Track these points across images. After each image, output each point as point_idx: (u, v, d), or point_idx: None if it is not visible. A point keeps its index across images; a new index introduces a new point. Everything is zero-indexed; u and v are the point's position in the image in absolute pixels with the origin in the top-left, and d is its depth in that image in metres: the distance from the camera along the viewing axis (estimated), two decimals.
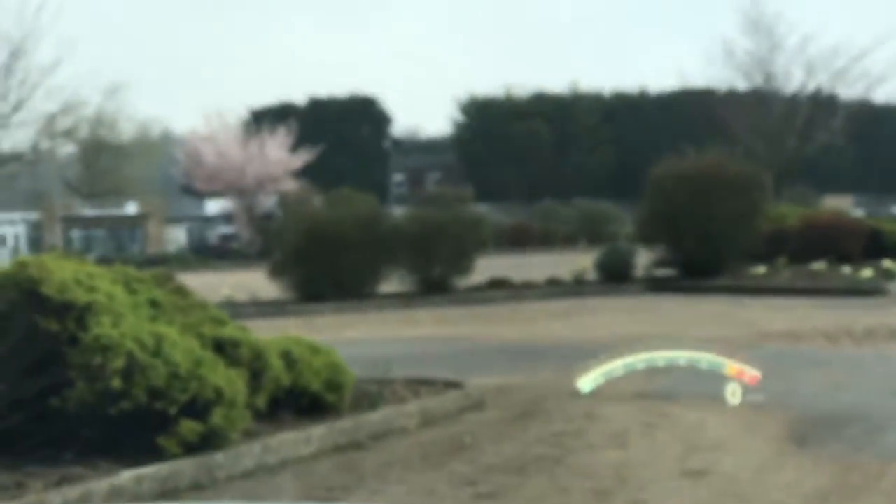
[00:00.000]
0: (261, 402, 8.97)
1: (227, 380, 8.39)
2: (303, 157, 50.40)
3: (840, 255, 28.45)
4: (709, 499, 7.38)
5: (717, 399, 10.83)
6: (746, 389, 10.21)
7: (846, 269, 26.29)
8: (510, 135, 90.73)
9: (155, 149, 71.98)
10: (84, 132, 61.77)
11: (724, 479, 7.90)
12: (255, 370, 8.98)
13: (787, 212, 34.42)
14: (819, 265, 27.18)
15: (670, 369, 12.39)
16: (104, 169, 67.32)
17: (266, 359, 9.13)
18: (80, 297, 8.20)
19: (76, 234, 64.17)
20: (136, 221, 66.52)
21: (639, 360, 10.56)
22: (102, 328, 8.13)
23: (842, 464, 8.25)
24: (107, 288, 8.55)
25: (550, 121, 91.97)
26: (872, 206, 72.45)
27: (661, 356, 10.70)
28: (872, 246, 30.35)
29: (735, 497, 7.41)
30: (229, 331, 9.30)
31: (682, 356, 10.71)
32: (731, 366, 10.30)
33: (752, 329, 17.20)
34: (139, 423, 8.13)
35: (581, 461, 8.54)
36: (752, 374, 10.19)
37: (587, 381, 10.76)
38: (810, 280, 25.60)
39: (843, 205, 57.98)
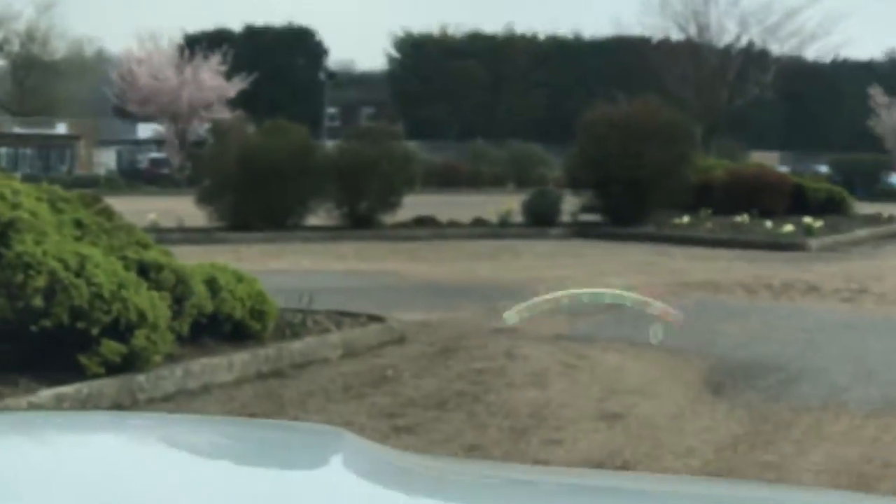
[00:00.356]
0: (183, 326, 8.97)
1: (151, 303, 8.38)
2: (237, 85, 50.00)
3: (763, 210, 28.83)
4: (624, 442, 7.49)
5: (637, 344, 10.99)
6: (668, 333, 10.37)
7: (768, 224, 26.62)
8: (444, 73, 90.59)
9: (88, 69, 70.93)
10: (14, 47, 60.77)
11: (640, 423, 8.03)
12: (179, 295, 8.97)
13: (714, 164, 34.80)
14: (742, 218, 27.50)
15: (591, 314, 12.56)
16: (35, 87, 66.33)
17: (190, 284, 9.12)
18: (4, 212, 8.14)
19: (3, 151, 63.20)
20: (66, 142, 65.65)
21: (564, 295, 10.65)
22: (25, 245, 8.08)
23: (755, 413, 8.40)
24: (31, 205, 8.49)
25: (485, 61, 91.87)
26: (797, 164, 73.25)
27: (587, 292, 10.81)
28: (795, 202, 30.79)
29: (650, 441, 7.52)
30: (154, 255, 9.27)
31: (607, 293, 10.83)
32: (655, 306, 10.43)
33: (675, 278, 17.40)
34: (61, 342, 8.11)
35: (500, 399, 8.63)
36: (675, 314, 10.33)
37: (512, 314, 10.80)
38: (733, 232, 25.91)
39: (770, 160, 58.55)
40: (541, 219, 26.88)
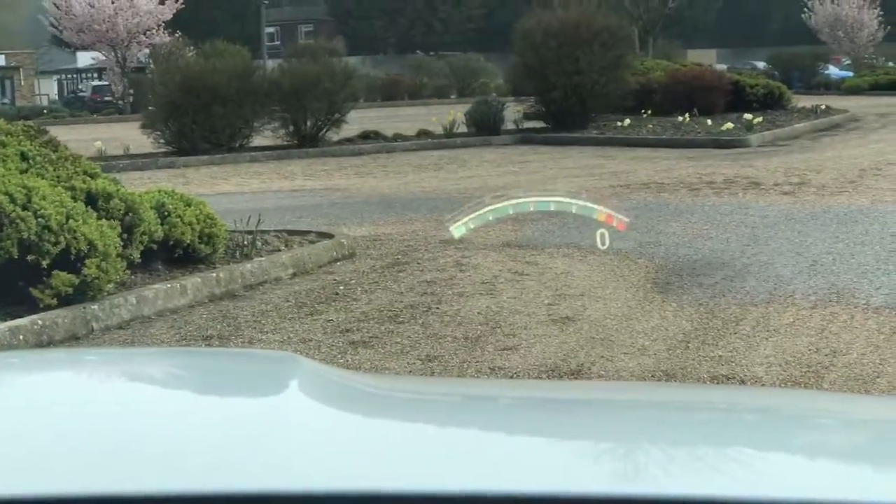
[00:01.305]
0: (134, 253, 8.99)
1: (100, 232, 8.38)
2: (173, 8, 49.32)
3: (703, 109, 28.99)
4: (577, 344, 7.61)
5: (584, 248, 11.12)
6: (614, 236, 10.48)
7: (709, 122, 26.78)
8: None
9: None
10: None
11: (592, 324, 8.14)
12: (128, 223, 8.98)
13: (653, 65, 34.84)
14: (683, 118, 27.64)
15: (538, 220, 12.67)
16: None
17: (139, 211, 9.12)
18: None
19: None
20: (5, 73, 64.66)
21: (510, 204, 10.69)
22: None
23: (704, 309, 8.55)
24: None
25: None
26: (735, 60, 73.42)
27: (533, 200, 10.86)
28: (735, 99, 30.96)
29: (602, 342, 7.64)
30: (101, 184, 9.26)
31: (552, 200, 10.88)
32: (599, 211, 10.51)
33: (618, 180, 17.54)
34: (11, 276, 8.12)
35: (452, 309, 8.73)
36: (620, 219, 10.43)
37: (458, 227, 10.83)
38: (674, 132, 26.05)
39: (707, 59, 58.65)
40: (485, 128, 26.91)
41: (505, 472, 1.50)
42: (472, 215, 10.78)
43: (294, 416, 1.78)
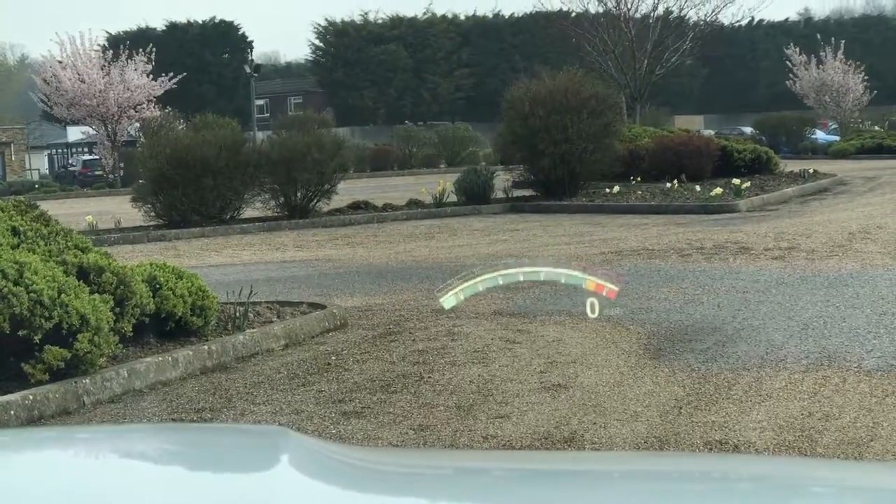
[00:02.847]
0: (126, 327, 8.99)
1: (92, 306, 8.39)
2: (164, 84, 49.63)
3: (691, 174, 29.14)
4: (569, 411, 7.60)
5: (575, 315, 11.14)
6: (604, 304, 10.49)
7: (697, 188, 26.90)
8: (368, 59, 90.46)
9: (12, 75, 70.22)
10: None
11: (584, 392, 8.14)
12: (120, 296, 8.99)
13: (641, 132, 35.04)
14: (671, 184, 27.76)
15: (528, 288, 12.69)
16: None
17: (131, 285, 9.13)
18: None
19: None
20: None
21: (499, 275, 10.70)
22: None
23: (696, 375, 8.55)
24: None
25: (408, 45, 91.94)
26: (721, 126, 73.87)
27: (522, 271, 10.86)
28: (722, 164, 31.12)
29: (594, 409, 7.63)
30: (93, 257, 9.27)
31: (542, 271, 10.89)
32: (589, 280, 10.52)
33: (608, 247, 17.59)
34: (3, 351, 8.12)
35: (445, 378, 8.73)
36: (610, 288, 10.44)
37: (449, 298, 10.84)
38: (663, 198, 26.16)
39: (694, 125, 59.06)
40: (474, 197, 27.01)
41: None
42: (462, 286, 10.78)
43: (284, 492, 1.78)
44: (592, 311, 10.13)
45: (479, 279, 10.65)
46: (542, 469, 2.25)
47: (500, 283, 10.80)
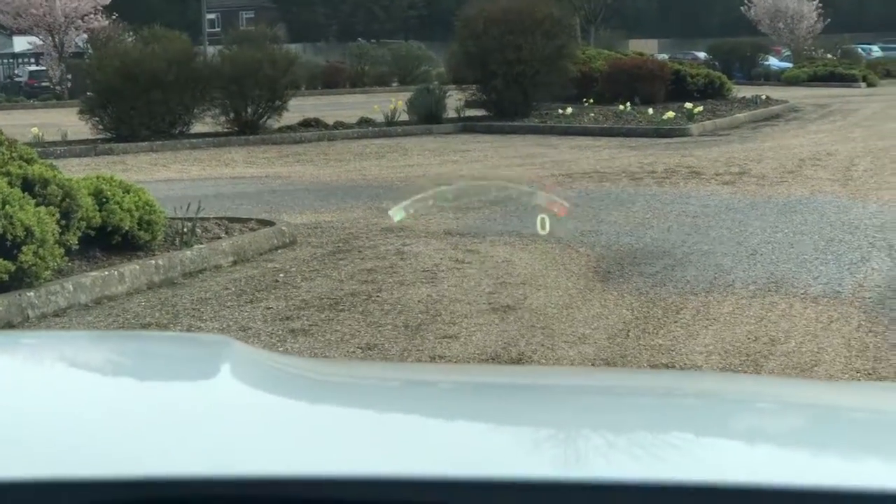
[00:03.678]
0: (72, 240, 8.89)
1: (37, 218, 8.28)
2: None
3: (645, 98, 29.14)
4: (517, 332, 7.60)
5: (524, 236, 11.13)
6: (554, 224, 10.48)
7: (650, 111, 26.90)
8: None
9: None
10: None
11: (532, 313, 8.15)
12: (66, 209, 8.87)
13: (595, 54, 34.92)
14: (624, 107, 27.74)
15: (479, 208, 12.67)
16: None
17: (76, 197, 9.02)
18: None
19: None
20: None
21: (452, 188, 10.67)
22: None
23: (644, 298, 8.58)
24: None
25: None
26: (676, 50, 73.81)
27: (475, 185, 10.83)
28: (676, 89, 31.15)
29: (542, 331, 7.64)
30: (38, 169, 9.14)
31: (494, 184, 10.87)
32: (541, 195, 10.51)
33: (560, 169, 17.57)
34: None
35: (393, 297, 8.71)
36: (562, 204, 10.43)
37: (398, 210, 10.76)
38: (616, 121, 26.13)
39: (648, 48, 58.90)
40: (426, 116, 26.84)
41: (442, 456, 1.49)
42: (413, 199, 10.73)
43: (226, 400, 1.76)
44: (543, 227, 10.11)
45: (430, 192, 10.59)
46: (489, 382, 2.23)
47: (452, 197, 10.76)
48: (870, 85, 47.99)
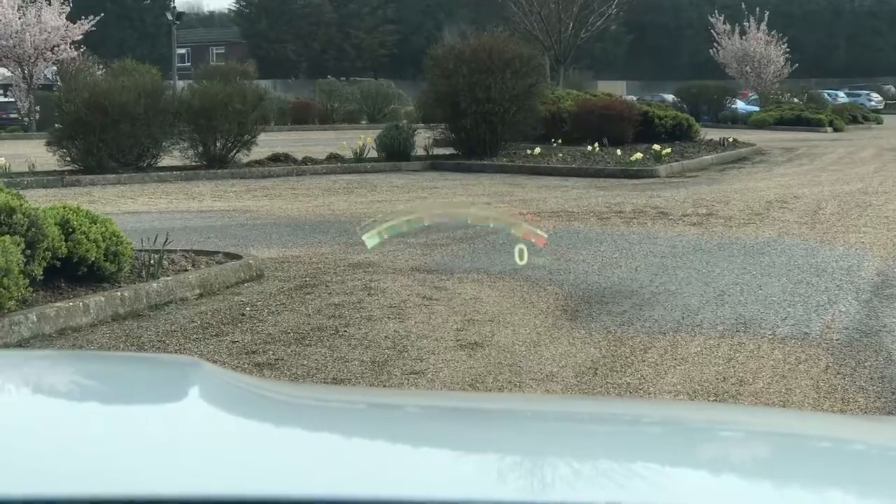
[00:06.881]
0: (37, 270, 8.81)
1: (2, 247, 8.21)
2: (83, 27, 48.76)
3: (613, 139, 29.23)
4: (485, 369, 7.58)
5: (493, 274, 11.12)
6: (529, 257, 10.45)
7: (618, 152, 26.99)
8: (292, 11, 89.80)
9: None
10: None
11: (500, 350, 8.12)
12: (31, 238, 8.80)
13: (564, 95, 35.08)
14: (592, 147, 27.83)
15: (447, 245, 12.66)
16: None
17: (42, 227, 8.95)
18: None
19: None
20: None
21: (428, 214, 10.62)
22: None
23: (612, 337, 8.56)
24: None
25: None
26: (644, 92, 74.30)
27: (450, 212, 10.79)
28: (644, 130, 31.27)
29: (510, 368, 7.61)
30: (3, 198, 9.06)
31: (470, 213, 10.83)
32: (518, 226, 10.48)
33: (528, 207, 17.57)
34: None
35: (360, 332, 8.67)
36: (539, 235, 10.40)
37: (372, 235, 10.71)
38: (584, 161, 26.21)
39: (617, 90, 59.24)
40: (395, 153, 26.87)
41: (409, 479, 1.48)
42: (385, 225, 10.67)
43: (195, 421, 1.75)
44: (521, 258, 10.09)
45: (403, 219, 10.53)
46: (456, 406, 2.24)
47: (427, 224, 10.71)
48: (836, 130, 48.39)
